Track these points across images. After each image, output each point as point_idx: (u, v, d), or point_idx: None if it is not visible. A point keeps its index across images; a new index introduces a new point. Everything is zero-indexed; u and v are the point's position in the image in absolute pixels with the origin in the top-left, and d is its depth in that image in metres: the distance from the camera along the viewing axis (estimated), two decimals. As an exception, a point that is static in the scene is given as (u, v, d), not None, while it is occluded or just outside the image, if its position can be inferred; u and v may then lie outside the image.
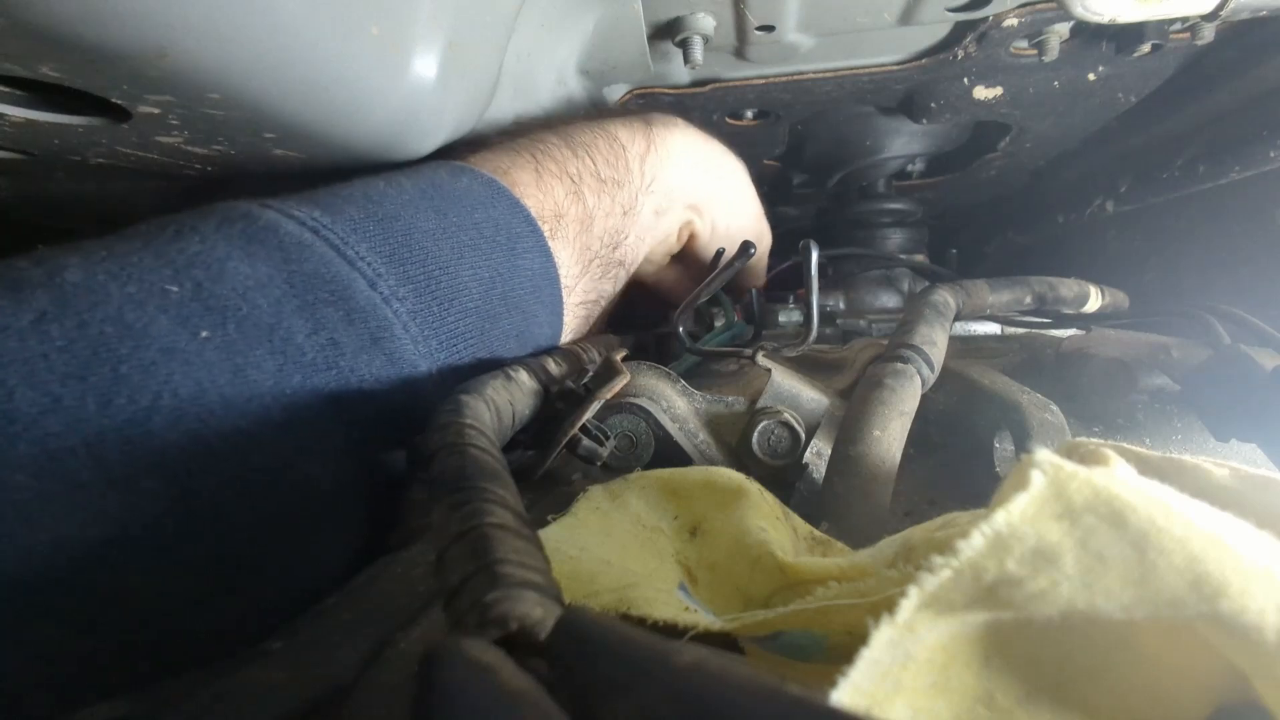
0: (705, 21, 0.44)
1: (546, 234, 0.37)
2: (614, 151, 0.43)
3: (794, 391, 0.35)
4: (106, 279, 0.22)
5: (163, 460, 0.21)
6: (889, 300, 0.65)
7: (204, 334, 0.22)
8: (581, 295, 0.41)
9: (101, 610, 0.20)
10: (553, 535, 0.23)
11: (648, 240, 0.46)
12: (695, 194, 0.48)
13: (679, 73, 0.52)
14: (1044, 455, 0.14)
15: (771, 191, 0.74)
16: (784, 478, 0.34)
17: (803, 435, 0.34)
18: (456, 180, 0.35)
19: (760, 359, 0.37)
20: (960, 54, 0.48)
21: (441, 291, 0.30)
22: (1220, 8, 0.40)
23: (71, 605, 0.19)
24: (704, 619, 0.18)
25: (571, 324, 0.40)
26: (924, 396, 0.32)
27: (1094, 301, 0.47)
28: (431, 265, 0.30)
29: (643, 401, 0.34)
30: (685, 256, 0.53)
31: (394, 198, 0.31)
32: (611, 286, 0.44)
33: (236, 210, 0.27)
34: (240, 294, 0.24)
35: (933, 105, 0.55)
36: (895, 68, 0.50)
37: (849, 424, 0.30)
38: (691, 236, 0.51)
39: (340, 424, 0.25)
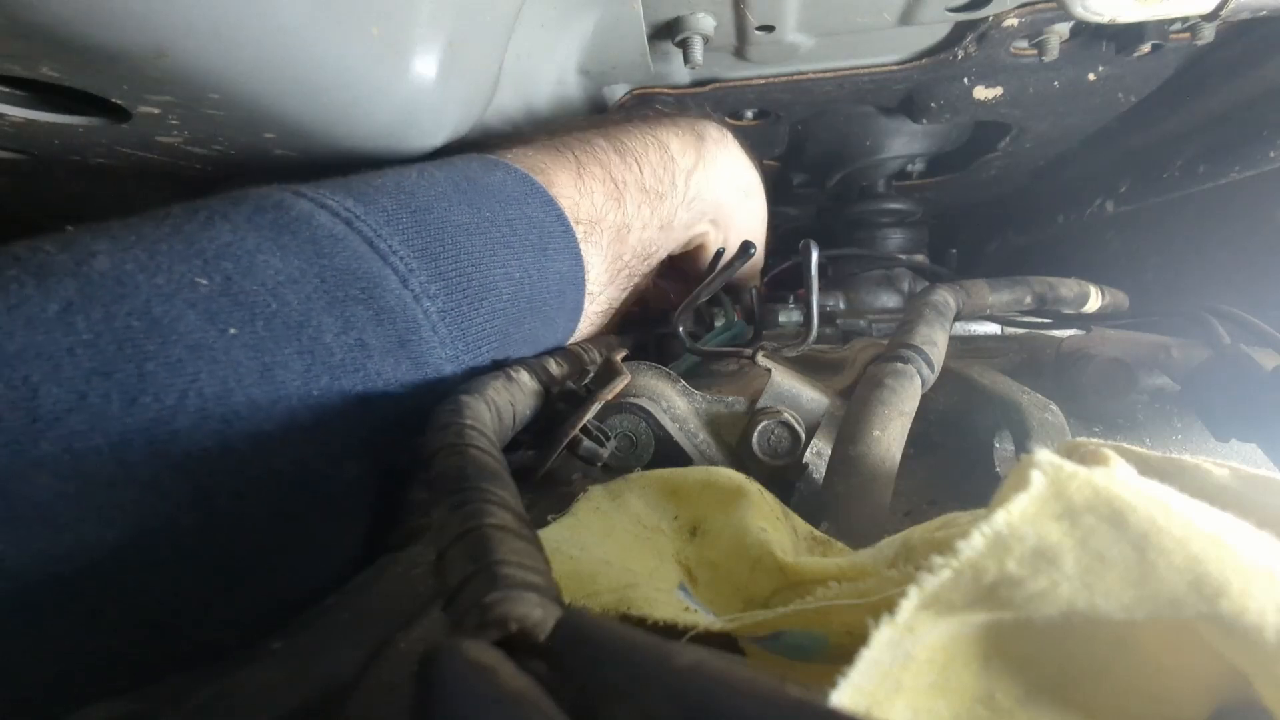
0: (705, 21, 0.44)
1: (580, 237, 0.36)
2: (663, 163, 0.42)
3: (794, 391, 0.35)
4: (135, 268, 0.21)
5: (186, 462, 0.20)
6: (889, 300, 0.65)
7: (232, 331, 0.22)
8: (605, 304, 0.40)
9: (116, 612, 0.20)
10: (553, 535, 0.23)
11: (670, 249, 0.45)
12: (721, 210, 0.48)
13: (679, 73, 0.52)
14: (1044, 455, 0.14)
15: (772, 191, 0.74)
16: (784, 478, 0.34)
17: (803, 435, 0.34)
18: (490, 174, 0.34)
19: (760, 359, 0.37)
20: (960, 54, 0.48)
21: (472, 290, 0.29)
22: (1220, 8, 0.40)
23: (88, 607, 0.19)
24: (704, 619, 0.18)
25: (585, 330, 0.39)
26: (924, 396, 0.32)
27: (1094, 301, 0.47)
28: (464, 261, 0.29)
29: (643, 402, 0.34)
30: (681, 261, 0.52)
31: (427, 189, 0.30)
32: (632, 295, 0.43)
33: (269, 198, 0.26)
34: (270, 289, 0.23)
35: (933, 105, 0.55)
36: (895, 68, 0.50)
37: (849, 424, 0.30)
38: (700, 247, 0.50)
39: (363, 428, 0.25)
